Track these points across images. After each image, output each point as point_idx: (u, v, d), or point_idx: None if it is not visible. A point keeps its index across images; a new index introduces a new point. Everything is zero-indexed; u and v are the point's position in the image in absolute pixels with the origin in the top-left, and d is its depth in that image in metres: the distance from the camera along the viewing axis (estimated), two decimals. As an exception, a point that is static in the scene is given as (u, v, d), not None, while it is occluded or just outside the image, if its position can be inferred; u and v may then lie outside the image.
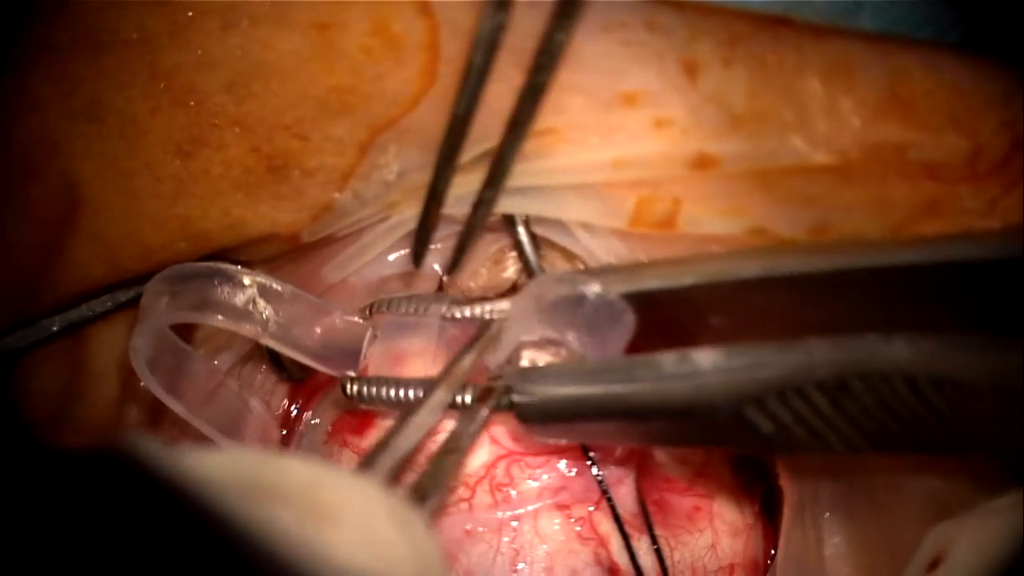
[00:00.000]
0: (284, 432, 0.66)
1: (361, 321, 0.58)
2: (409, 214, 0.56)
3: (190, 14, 0.51)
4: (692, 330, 0.51)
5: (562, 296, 0.52)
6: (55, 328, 0.57)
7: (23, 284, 0.57)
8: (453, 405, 0.52)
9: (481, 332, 0.56)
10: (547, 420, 0.51)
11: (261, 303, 0.55)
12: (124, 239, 0.55)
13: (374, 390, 0.55)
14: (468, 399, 0.53)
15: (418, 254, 0.57)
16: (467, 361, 0.53)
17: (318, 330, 0.56)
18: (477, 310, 0.58)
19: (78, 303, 0.57)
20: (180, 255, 0.56)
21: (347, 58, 0.51)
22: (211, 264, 0.55)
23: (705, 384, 0.46)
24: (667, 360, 0.47)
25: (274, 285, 0.55)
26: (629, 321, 0.51)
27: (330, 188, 0.54)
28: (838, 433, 0.46)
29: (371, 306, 0.60)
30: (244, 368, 0.62)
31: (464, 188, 0.54)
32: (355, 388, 0.56)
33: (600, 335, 0.51)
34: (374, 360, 0.57)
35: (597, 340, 0.51)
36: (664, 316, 0.51)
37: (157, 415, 0.60)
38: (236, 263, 0.57)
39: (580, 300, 0.51)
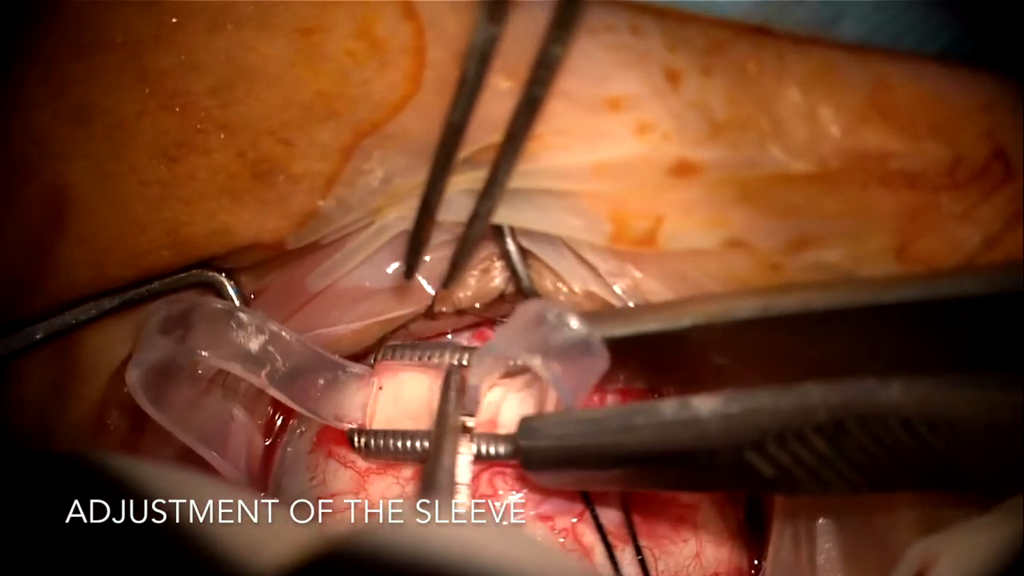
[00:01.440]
0: (268, 443, 0.65)
1: (364, 373, 0.59)
2: (392, 218, 0.56)
3: (174, 19, 0.51)
4: (693, 369, 0.52)
5: (536, 318, 0.52)
6: (39, 336, 0.57)
7: (13, 287, 0.57)
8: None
9: (449, 379, 0.57)
10: (552, 467, 0.53)
11: (270, 351, 0.55)
12: (111, 243, 0.55)
13: (381, 442, 0.57)
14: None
15: (411, 266, 0.57)
16: (453, 416, 0.55)
17: (321, 381, 0.57)
18: None
19: (63, 310, 0.57)
20: (165, 263, 0.56)
21: (331, 62, 0.51)
22: (224, 305, 0.56)
23: (705, 430, 0.47)
24: (667, 407, 0.48)
25: (283, 333, 0.56)
26: (603, 357, 0.52)
27: (315, 194, 0.54)
28: (837, 474, 0.46)
29: (377, 354, 0.60)
30: (229, 376, 0.62)
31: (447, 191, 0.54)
32: (363, 441, 0.57)
33: (571, 366, 0.52)
34: (380, 411, 0.58)
35: (567, 370, 0.52)
36: (664, 356, 0.53)
37: (139, 420, 0.59)
38: (222, 271, 0.57)
39: (554, 326, 0.52)
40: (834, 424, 0.45)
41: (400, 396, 0.60)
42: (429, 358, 0.59)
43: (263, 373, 0.55)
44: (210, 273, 0.58)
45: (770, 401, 0.46)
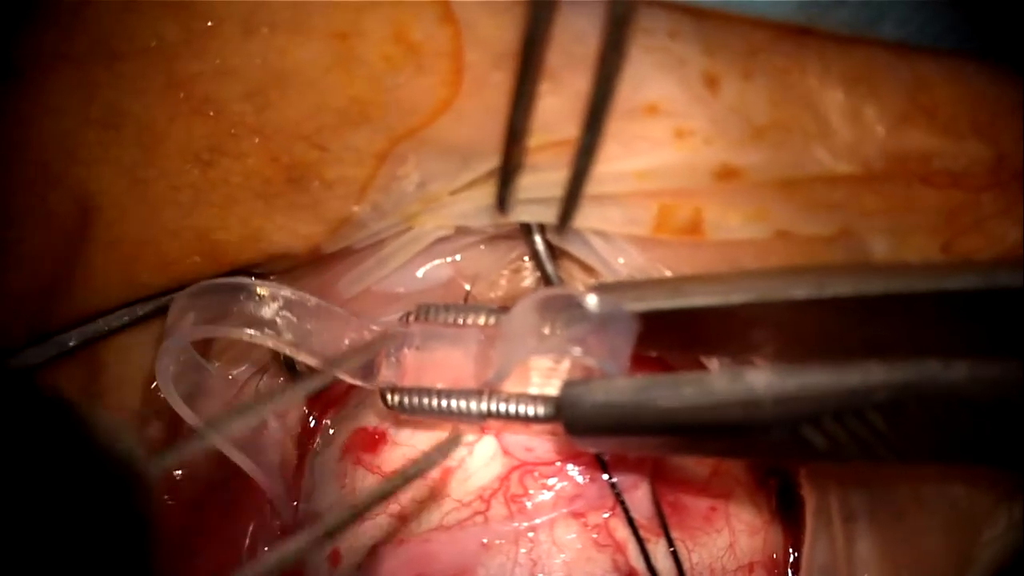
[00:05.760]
0: (299, 453, 0.65)
1: (393, 331, 0.57)
2: (429, 227, 0.56)
3: (208, 23, 0.50)
4: (734, 341, 0.51)
5: (560, 311, 0.51)
6: (72, 343, 0.57)
7: (40, 294, 0.57)
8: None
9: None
10: (595, 432, 0.51)
11: (288, 316, 0.54)
12: (140, 248, 0.55)
13: (415, 400, 0.55)
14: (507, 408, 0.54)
15: (502, 198, 0.54)
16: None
17: (347, 341, 0.56)
18: None
19: (95, 316, 0.57)
20: (196, 269, 0.56)
21: (367, 67, 0.50)
22: (236, 279, 0.55)
23: (759, 404, 0.45)
24: (718, 379, 0.46)
25: (302, 298, 0.55)
26: (631, 322, 0.51)
27: (349, 200, 0.54)
28: (891, 447, 0.46)
29: (409, 314, 0.59)
30: (261, 380, 0.61)
31: (475, 202, 0.55)
32: (396, 399, 0.56)
33: (606, 341, 0.51)
34: (411, 369, 0.57)
35: (604, 347, 0.51)
36: (706, 329, 0.51)
37: (175, 427, 0.59)
38: (255, 276, 0.57)
39: (579, 313, 0.51)
40: (894, 404, 0.44)
41: (432, 356, 0.58)
42: (465, 319, 0.57)
43: (282, 339, 0.54)
44: (249, 279, 0.57)
45: (828, 378, 0.44)
